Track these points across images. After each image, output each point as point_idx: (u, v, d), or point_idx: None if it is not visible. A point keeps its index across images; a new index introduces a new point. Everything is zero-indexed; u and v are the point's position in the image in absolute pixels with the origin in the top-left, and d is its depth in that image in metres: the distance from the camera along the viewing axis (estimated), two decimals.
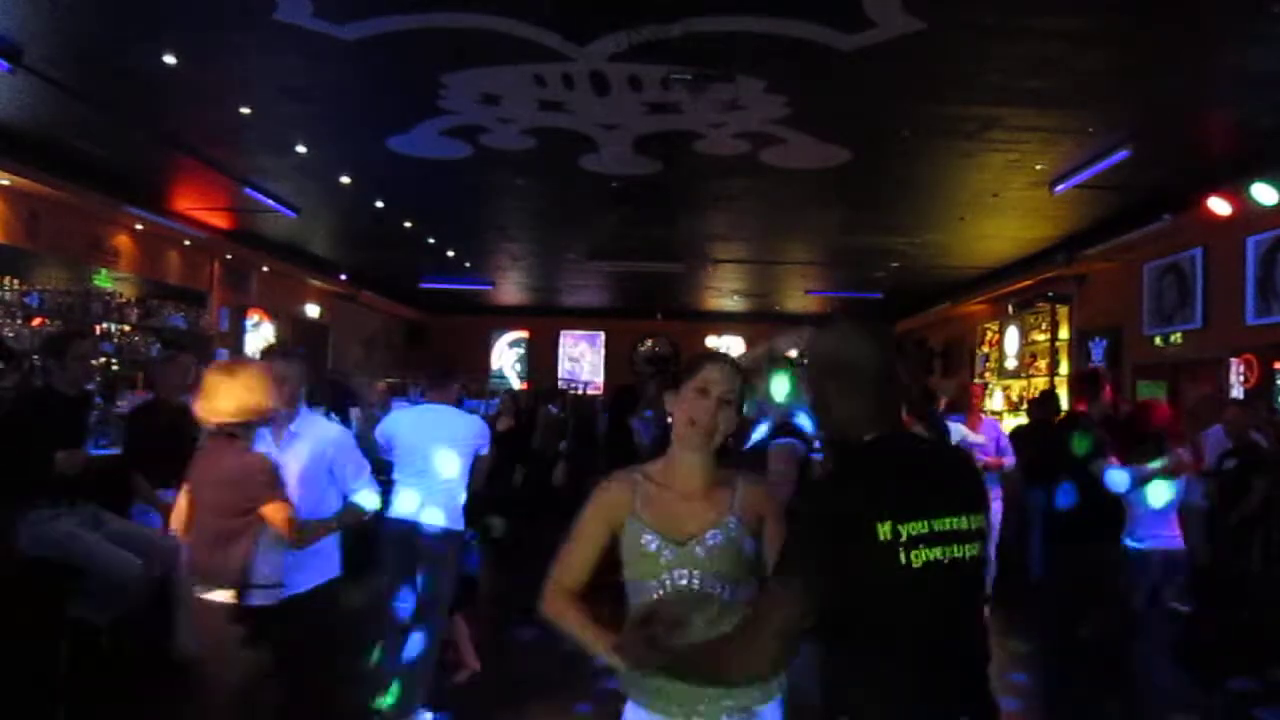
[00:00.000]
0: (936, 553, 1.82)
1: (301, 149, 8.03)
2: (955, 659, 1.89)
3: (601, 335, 20.17)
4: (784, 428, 4.02)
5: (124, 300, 10.16)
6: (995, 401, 14.06)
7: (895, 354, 1.99)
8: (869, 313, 2.59)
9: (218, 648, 3.14)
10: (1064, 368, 12.00)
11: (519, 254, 13.75)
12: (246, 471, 3.17)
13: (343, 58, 5.79)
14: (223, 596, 3.13)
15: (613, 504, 2.24)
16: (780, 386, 4.01)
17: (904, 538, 1.79)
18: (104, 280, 9.85)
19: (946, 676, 1.87)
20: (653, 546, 2.17)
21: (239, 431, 3.21)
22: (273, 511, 3.17)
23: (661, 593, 2.15)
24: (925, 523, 1.82)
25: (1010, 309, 13.75)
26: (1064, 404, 10.00)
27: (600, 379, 19.67)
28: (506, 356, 20.62)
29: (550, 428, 11.54)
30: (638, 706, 2.21)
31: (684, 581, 2.14)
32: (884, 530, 1.78)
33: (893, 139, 7.26)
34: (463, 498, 4.82)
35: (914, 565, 1.80)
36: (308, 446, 3.74)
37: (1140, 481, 4.93)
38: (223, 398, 3.16)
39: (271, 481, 3.19)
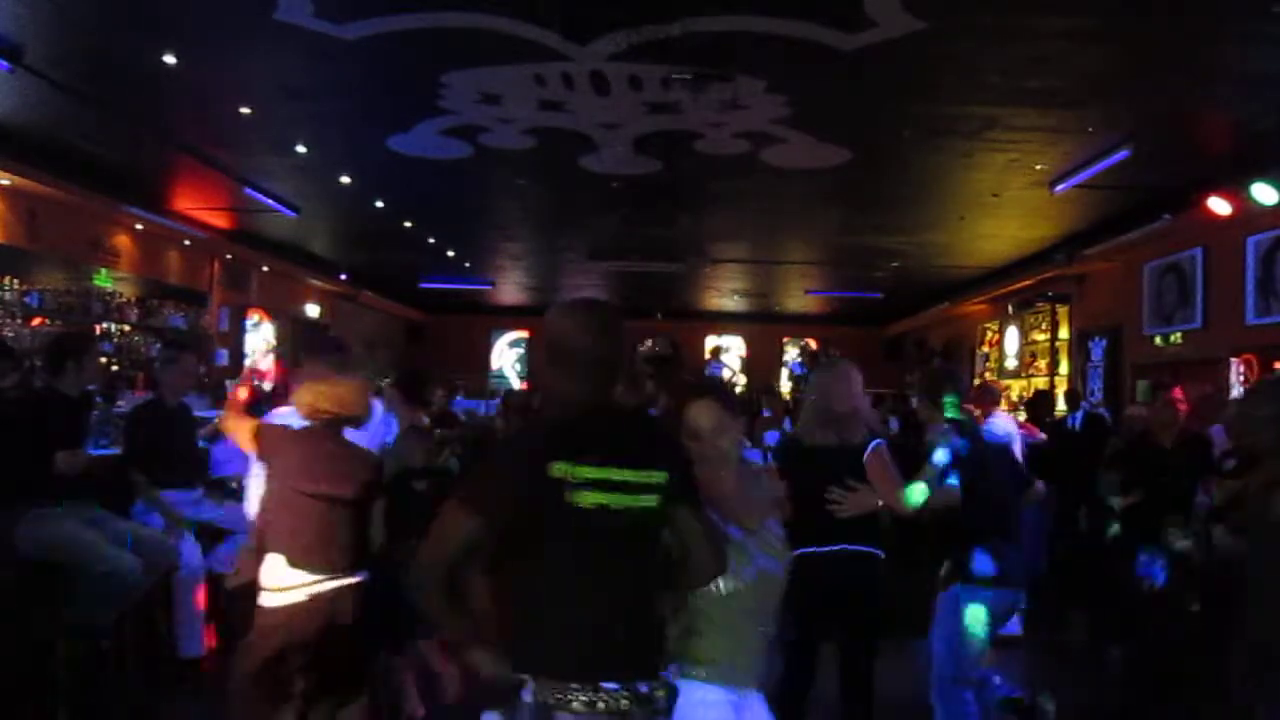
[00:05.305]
0: (606, 498, 2.08)
1: (301, 149, 8.03)
2: (617, 597, 2.13)
3: None
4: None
5: (124, 300, 10.16)
6: None
7: (613, 339, 2.27)
8: (597, 301, 2.62)
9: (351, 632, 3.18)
10: (1064, 367, 12.01)
11: (519, 254, 13.76)
12: (365, 465, 3.26)
13: (343, 58, 5.79)
14: (355, 578, 3.16)
15: None
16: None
17: (575, 478, 2.06)
18: (104, 280, 9.84)
19: (604, 612, 2.11)
20: (738, 535, 2.41)
21: (335, 426, 3.27)
22: (378, 509, 3.26)
23: (741, 579, 2.36)
24: (600, 470, 2.08)
25: (1010, 309, 13.75)
26: (1060, 404, 10.01)
27: None
28: (506, 356, 20.62)
29: None
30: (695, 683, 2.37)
31: (767, 566, 2.41)
32: (558, 469, 2.06)
33: (893, 139, 7.26)
34: None
35: (583, 506, 2.07)
36: None
37: None
38: (334, 392, 3.24)
39: (380, 478, 3.29)
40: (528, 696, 2.09)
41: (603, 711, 2.05)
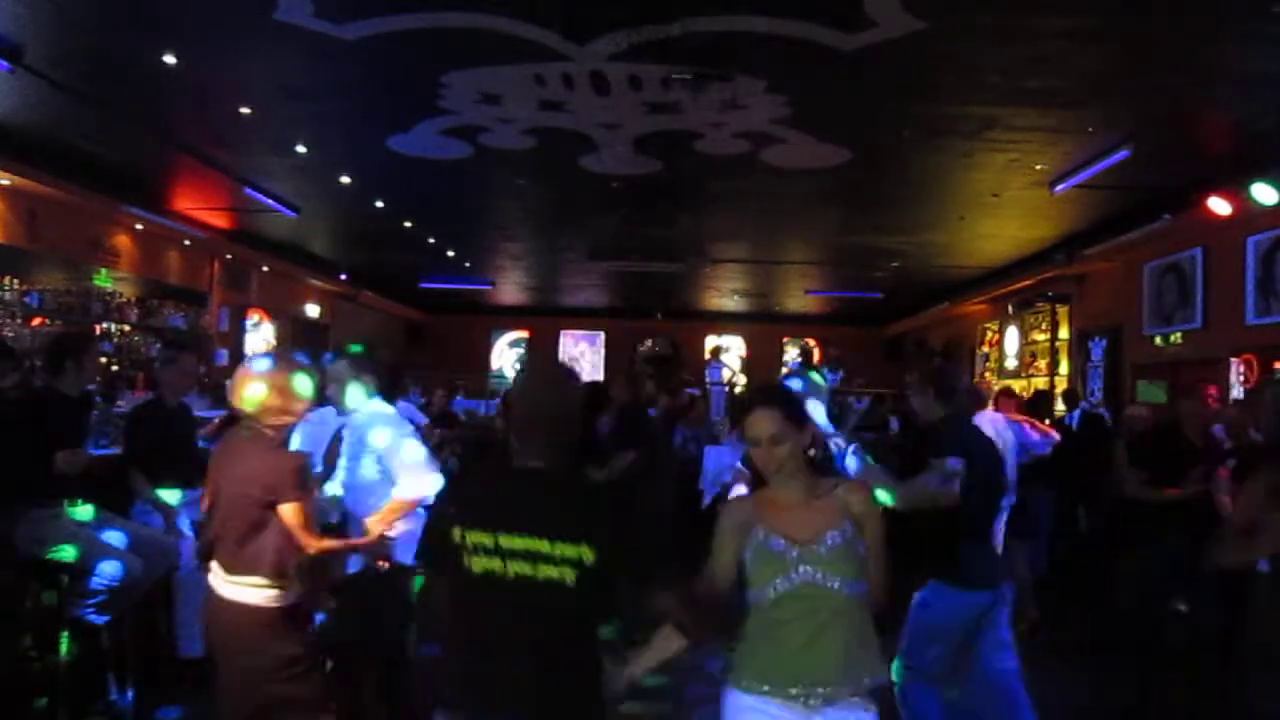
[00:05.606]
0: (496, 564, 2.16)
1: (301, 149, 8.03)
2: (511, 665, 2.17)
3: (601, 335, 20.19)
4: None
5: (124, 300, 10.17)
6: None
7: (566, 399, 2.36)
8: (556, 363, 2.71)
9: (246, 648, 3.11)
10: (1064, 367, 12.01)
11: (519, 254, 13.75)
12: (270, 465, 3.16)
13: (343, 58, 5.79)
14: (252, 597, 3.10)
15: (741, 519, 2.50)
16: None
17: (468, 544, 2.18)
18: (104, 280, 9.85)
19: (498, 679, 2.18)
20: (779, 547, 2.42)
21: (268, 427, 3.20)
22: (288, 512, 3.13)
23: (777, 590, 2.39)
24: (491, 536, 2.17)
25: (1010, 309, 13.76)
26: (1060, 405, 10.02)
27: (600, 379, 19.65)
28: (507, 356, 20.63)
29: None
30: (743, 693, 2.43)
31: (808, 581, 2.39)
32: (457, 534, 2.20)
33: (893, 139, 7.26)
34: None
35: (474, 571, 2.17)
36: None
37: None
38: (256, 393, 3.18)
39: (293, 480, 3.16)
40: None
41: None
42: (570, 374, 2.48)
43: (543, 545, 2.15)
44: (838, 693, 2.38)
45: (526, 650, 2.18)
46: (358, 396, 3.90)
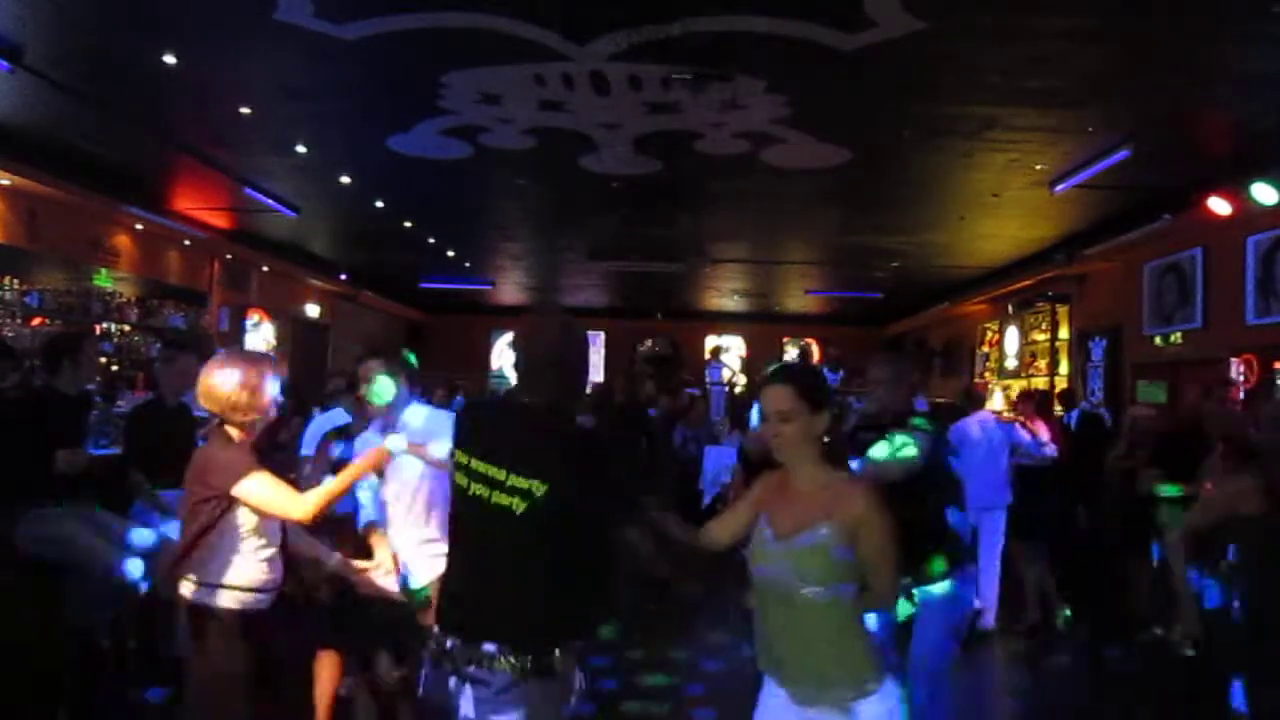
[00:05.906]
0: (465, 482, 2.35)
1: (301, 149, 8.03)
2: (470, 584, 2.34)
3: (601, 335, 20.16)
4: None
5: (124, 300, 10.17)
6: (996, 402, 14.08)
7: (569, 343, 2.46)
8: (555, 311, 2.65)
9: (201, 654, 3.06)
10: (1064, 367, 12.01)
11: (519, 254, 13.75)
12: (214, 463, 3.04)
13: (343, 58, 5.79)
14: (215, 598, 3.04)
15: (760, 493, 2.55)
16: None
17: (457, 459, 2.39)
18: (104, 280, 9.85)
19: (465, 598, 2.34)
20: (764, 536, 2.43)
21: (233, 425, 3.12)
22: (250, 493, 2.98)
23: (757, 578, 2.44)
24: (468, 455, 2.35)
25: (1010, 309, 13.75)
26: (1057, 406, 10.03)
27: (600, 378, 19.66)
28: (506, 356, 20.62)
29: None
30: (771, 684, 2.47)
31: (778, 575, 2.37)
32: (454, 448, 2.43)
33: (893, 139, 7.26)
34: None
35: (456, 484, 2.40)
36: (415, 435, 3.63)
37: None
38: (219, 390, 3.09)
39: (239, 469, 3.00)
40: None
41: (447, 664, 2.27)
42: (575, 322, 2.55)
43: (500, 474, 2.26)
44: (809, 695, 2.33)
45: (482, 572, 2.30)
46: (396, 396, 3.66)
